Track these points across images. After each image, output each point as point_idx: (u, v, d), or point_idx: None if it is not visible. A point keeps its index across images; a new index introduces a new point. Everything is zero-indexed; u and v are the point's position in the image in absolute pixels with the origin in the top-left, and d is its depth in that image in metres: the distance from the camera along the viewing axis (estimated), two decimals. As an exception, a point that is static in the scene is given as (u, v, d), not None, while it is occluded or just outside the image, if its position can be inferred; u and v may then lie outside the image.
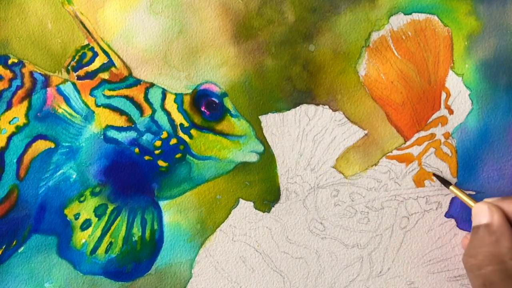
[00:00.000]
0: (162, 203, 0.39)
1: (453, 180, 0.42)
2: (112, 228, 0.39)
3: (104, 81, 0.39)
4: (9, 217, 0.38)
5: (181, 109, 0.40)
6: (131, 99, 0.39)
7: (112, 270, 0.39)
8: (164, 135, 0.39)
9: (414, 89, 0.42)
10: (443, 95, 0.42)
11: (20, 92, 0.38)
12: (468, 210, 0.41)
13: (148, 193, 0.39)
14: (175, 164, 0.40)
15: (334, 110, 0.41)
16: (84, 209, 0.39)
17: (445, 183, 0.41)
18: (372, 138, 0.41)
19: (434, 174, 0.41)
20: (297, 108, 0.41)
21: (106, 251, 0.39)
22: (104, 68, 0.39)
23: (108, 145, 0.39)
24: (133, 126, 0.39)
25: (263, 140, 0.40)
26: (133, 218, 0.39)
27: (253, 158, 0.40)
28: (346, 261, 0.41)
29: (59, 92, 0.39)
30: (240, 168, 0.40)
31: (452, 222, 0.42)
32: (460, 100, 0.42)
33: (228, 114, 0.40)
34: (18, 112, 0.38)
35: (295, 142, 0.41)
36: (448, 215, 0.42)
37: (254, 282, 0.40)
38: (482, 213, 0.36)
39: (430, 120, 0.42)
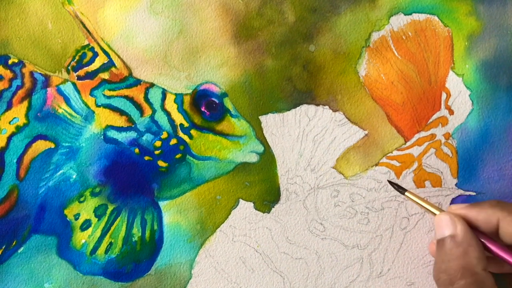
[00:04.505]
0: (162, 204, 0.39)
1: (454, 181, 0.42)
2: (112, 228, 0.39)
3: (104, 81, 0.39)
4: (9, 217, 0.38)
5: (181, 109, 0.40)
6: (131, 99, 0.39)
7: (112, 270, 0.39)
8: (164, 135, 0.39)
9: (414, 89, 0.42)
10: (444, 96, 0.42)
11: (20, 92, 0.38)
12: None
13: (148, 194, 0.39)
14: (175, 165, 0.40)
15: (334, 111, 0.41)
16: (84, 210, 0.39)
17: (400, 189, 0.39)
18: (372, 139, 0.41)
19: (389, 181, 0.40)
20: (297, 108, 0.41)
21: (106, 251, 0.39)
22: (104, 68, 0.39)
23: (108, 145, 0.39)
24: (133, 126, 0.39)
25: (263, 141, 0.40)
26: (133, 218, 0.39)
27: (253, 158, 0.40)
28: (346, 262, 0.41)
29: (59, 92, 0.39)
30: (240, 168, 0.40)
31: (453, 222, 0.41)
32: (460, 100, 0.42)
33: (228, 114, 0.40)
34: (18, 112, 0.38)
35: (295, 143, 0.41)
36: (448, 215, 0.42)
37: (254, 282, 0.40)
38: (445, 224, 0.35)
39: (431, 120, 0.42)
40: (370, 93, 0.41)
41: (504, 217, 0.34)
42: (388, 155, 0.41)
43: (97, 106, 0.39)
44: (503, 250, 0.35)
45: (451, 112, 0.42)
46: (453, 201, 0.41)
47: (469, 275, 0.33)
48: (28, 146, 0.38)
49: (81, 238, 0.38)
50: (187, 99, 0.40)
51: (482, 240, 0.35)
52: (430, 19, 0.42)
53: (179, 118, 0.40)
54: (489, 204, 0.35)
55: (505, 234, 0.34)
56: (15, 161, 0.38)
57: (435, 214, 0.37)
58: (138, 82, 0.39)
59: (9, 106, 0.38)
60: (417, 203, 0.38)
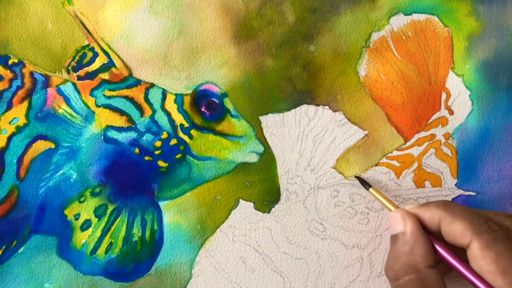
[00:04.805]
0: (162, 204, 0.39)
1: (453, 181, 0.42)
2: (112, 228, 0.39)
3: (104, 82, 0.39)
4: (9, 217, 0.38)
5: (181, 110, 0.40)
6: (131, 100, 0.39)
7: (112, 270, 0.39)
8: (164, 135, 0.39)
9: (414, 89, 0.42)
10: (443, 96, 0.42)
11: (20, 93, 0.38)
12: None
13: (148, 194, 0.39)
14: (175, 165, 0.40)
15: (334, 111, 0.41)
16: (84, 210, 0.39)
17: (365, 185, 0.40)
18: (372, 139, 0.41)
19: (356, 176, 0.41)
20: (297, 108, 0.41)
21: (106, 251, 0.39)
22: (104, 68, 0.39)
23: (108, 146, 0.39)
24: (133, 126, 0.39)
25: (263, 141, 0.40)
26: (133, 218, 0.39)
27: (253, 158, 0.40)
28: (346, 262, 0.41)
29: (59, 92, 0.39)
30: (240, 168, 0.40)
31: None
32: (460, 100, 0.42)
33: (228, 115, 0.40)
34: (18, 113, 0.38)
35: (295, 143, 0.41)
36: (448, 215, 0.42)
37: (254, 282, 0.40)
38: (397, 221, 0.36)
39: (431, 120, 0.42)
40: (370, 93, 0.41)
41: (444, 217, 0.35)
42: (388, 155, 0.41)
43: (97, 106, 0.39)
44: (445, 250, 0.35)
45: (451, 112, 0.42)
46: (453, 201, 0.41)
47: (412, 272, 0.34)
48: (28, 146, 0.38)
49: (81, 238, 0.39)
50: (187, 99, 0.40)
51: (432, 239, 0.36)
52: (430, 19, 0.42)
53: (179, 118, 0.40)
54: (435, 204, 0.36)
55: (445, 234, 0.35)
56: (15, 161, 0.38)
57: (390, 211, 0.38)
58: (138, 82, 0.39)
59: (9, 106, 0.38)
60: (379, 200, 0.39)
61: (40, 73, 0.39)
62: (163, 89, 0.40)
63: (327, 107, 0.41)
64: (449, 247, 0.35)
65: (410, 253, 0.35)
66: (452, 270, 0.36)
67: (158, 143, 0.39)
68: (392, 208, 0.38)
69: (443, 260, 0.35)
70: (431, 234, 0.36)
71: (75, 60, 0.39)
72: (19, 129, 0.38)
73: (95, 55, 0.39)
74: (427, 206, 0.36)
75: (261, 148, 0.40)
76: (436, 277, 0.34)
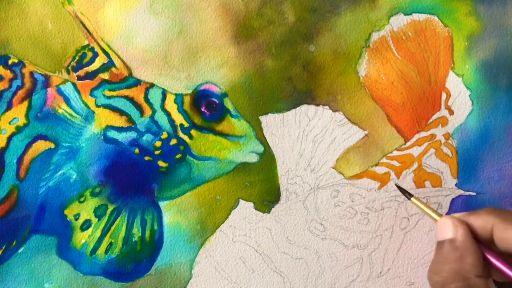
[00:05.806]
0: (162, 204, 0.39)
1: (454, 181, 0.42)
2: (112, 228, 0.39)
3: (104, 81, 0.39)
4: (9, 217, 0.38)
5: (181, 110, 0.40)
6: (131, 100, 0.39)
7: (112, 270, 0.39)
8: (164, 135, 0.39)
9: (414, 89, 0.42)
10: (444, 96, 0.42)
11: (20, 93, 0.38)
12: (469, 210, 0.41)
13: (148, 194, 0.39)
14: (175, 165, 0.40)
15: (334, 111, 0.41)
16: (84, 210, 0.39)
17: (407, 194, 0.39)
18: (372, 139, 0.41)
19: (397, 185, 0.40)
20: (297, 108, 0.41)
21: (106, 251, 0.39)
22: (104, 68, 0.39)
23: (108, 146, 0.39)
24: (133, 126, 0.39)
25: (263, 141, 0.40)
26: (133, 218, 0.39)
27: (253, 158, 0.40)
28: (346, 262, 0.41)
29: (59, 92, 0.39)
30: (240, 168, 0.40)
31: (453, 222, 0.41)
32: (460, 100, 0.42)
33: (228, 115, 0.40)
34: (18, 113, 0.38)
35: (295, 143, 0.41)
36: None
37: (254, 282, 0.40)
38: (447, 228, 0.35)
39: (431, 120, 0.42)
40: (370, 93, 0.41)
41: (497, 223, 0.34)
42: (388, 155, 0.41)
43: (97, 106, 0.39)
44: (498, 259, 0.35)
45: (451, 112, 0.42)
46: (453, 201, 0.41)
47: (461, 280, 0.33)
48: (28, 146, 0.38)
49: (81, 238, 0.39)
50: (187, 99, 0.40)
51: (482, 248, 0.35)
52: (430, 19, 0.42)
53: (179, 118, 0.40)
54: (486, 211, 0.35)
55: (498, 240, 0.34)
56: (15, 161, 0.38)
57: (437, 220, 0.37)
58: (138, 82, 0.39)
59: (9, 106, 0.38)
60: (422, 209, 0.38)
61: (40, 73, 0.39)
62: (163, 89, 0.40)
63: (327, 107, 0.41)
64: (499, 255, 0.35)
65: (459, 261, 0.34)
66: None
67: (158, 143, 0.39)
68: (437, 217, 0.37)
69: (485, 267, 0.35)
70: (480, 243, 0.35)
71: (75, 60, 0.39)
72: (19, 129, 0.38)
73: (95, 55, 0.39)
74: (477, 214, 0.35)
75: (261, 148, 0.40)
76: (485, 287, 0.33)
